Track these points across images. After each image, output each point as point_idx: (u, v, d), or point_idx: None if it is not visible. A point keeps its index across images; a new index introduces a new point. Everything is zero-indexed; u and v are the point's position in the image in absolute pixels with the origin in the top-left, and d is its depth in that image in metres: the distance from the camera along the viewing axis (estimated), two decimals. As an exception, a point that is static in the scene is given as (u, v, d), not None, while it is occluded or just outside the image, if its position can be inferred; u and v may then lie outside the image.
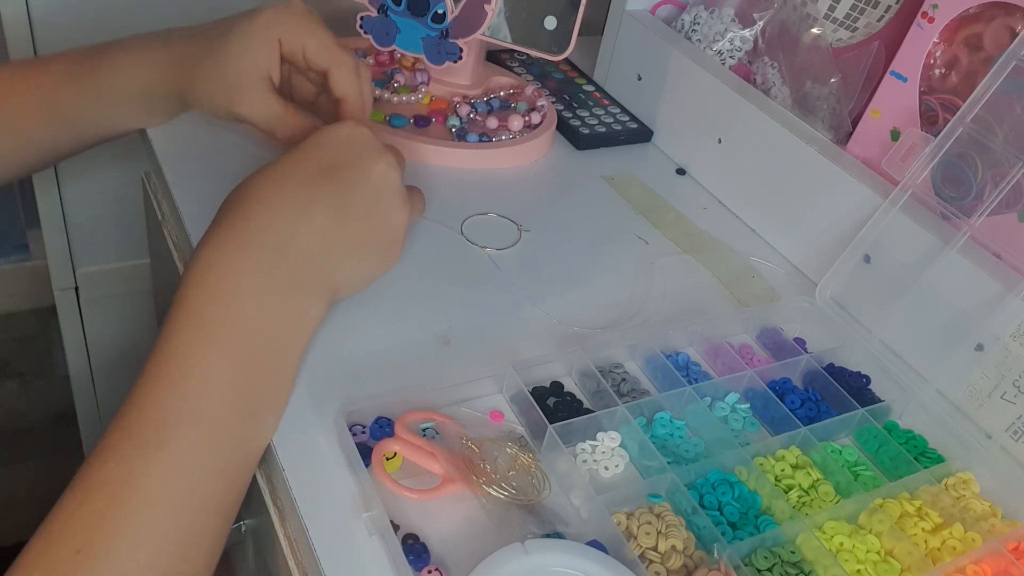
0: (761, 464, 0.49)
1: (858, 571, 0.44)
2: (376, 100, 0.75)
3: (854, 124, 0.67)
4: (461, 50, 0.71)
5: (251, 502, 0.49)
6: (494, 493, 0.44)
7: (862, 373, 0.57)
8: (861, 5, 0.69)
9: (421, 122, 0.73)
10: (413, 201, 0.55)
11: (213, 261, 0.45)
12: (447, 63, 0.72)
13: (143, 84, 0.62)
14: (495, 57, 0.86)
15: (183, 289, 0.45)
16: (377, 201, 0.50)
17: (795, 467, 0.49)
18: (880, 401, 0.55)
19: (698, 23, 0.76)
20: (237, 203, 0.47)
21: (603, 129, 0.79)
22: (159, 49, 0.62)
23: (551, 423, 0.47)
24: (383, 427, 0.47)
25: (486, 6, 0.69)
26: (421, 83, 0.77)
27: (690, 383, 0.53)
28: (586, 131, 0.78)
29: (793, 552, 0.44)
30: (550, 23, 0.70)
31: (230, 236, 0.46)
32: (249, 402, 0.44)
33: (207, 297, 0.44)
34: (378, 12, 0.71)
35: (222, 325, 0.44)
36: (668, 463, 0.47)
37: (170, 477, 0.41)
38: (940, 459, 0.52)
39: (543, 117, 0.76)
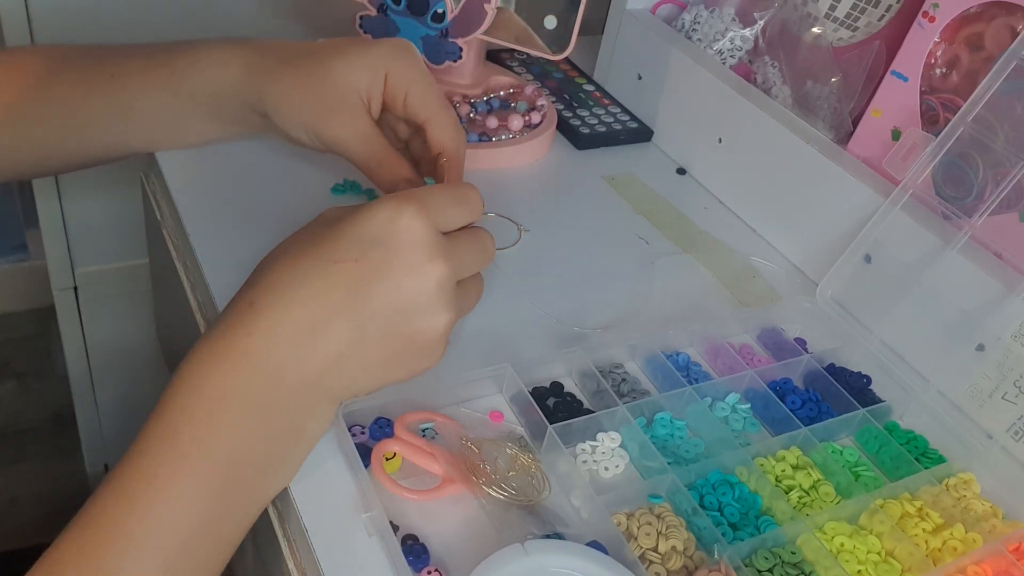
0: (762, 465, 0.49)
1: (859, 572, 0.44)
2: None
3: (855, 124, 0.67)
4: (461, 50, 0.71)
5: (250, 502, 0.49)
6: (494, 494, 0.44)
7: (863, 373, 0.57)
8: (862, 4, 0.69)
9: (421, 122, 0.73)
10: (466, 300, 0.47)
11: (203, 372, 0.40)
12: (447, 63, 0.72)
13: (219, 84, 0.57)
14: (495, 57, 0.86)
15: (170, 393, 0.40)
16: (408, 318, 0.42)
17: (796, 468, 0.49)
18: (881, 401, 0.55)
19: (698, 22, 0.76)
20: (248, 305, 0.41)
21: (603, 129, 0.79)
22: (246, 50, 0.57)
23: (551, 423, 0.47)
24: (383, 427, 0.47)
25: (486, 6, 0.69)
26: (421, 83, 0.77)
27: (690, 383, 0.53)
28: (586, 131, 0.78)
29: (794, 553, 0.44)
30: (550, 23, 0.70)
31: (227, 347, 0.41)
32: (224, 525, 0.41)
33: (189, 416, 0.40)
34: (378, 12, 0.71)
35: (201, 453, 0.39)
36: (668, 464, 0.47)
37: None
38: (941, 459, 0.52)
39: (543, 117, 0.76)
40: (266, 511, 0.47)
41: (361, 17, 0.71)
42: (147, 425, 0.40)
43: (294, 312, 0.41)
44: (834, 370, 0.56)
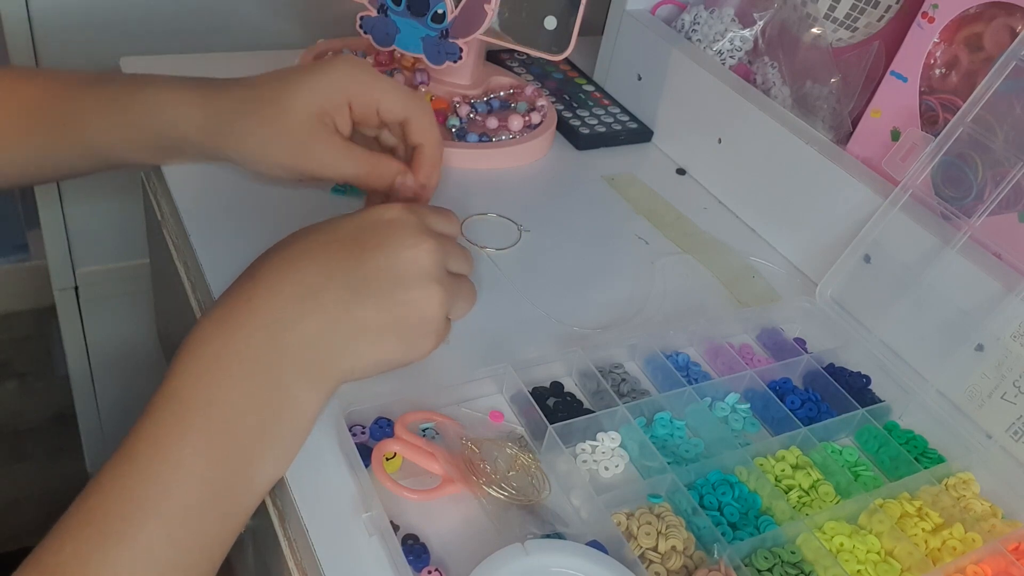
0: (761, 464, 0.49)
1: (858, 571, 0.44)
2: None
3: (854, 124, 0.67)
4: (461, 50, 0.71)
5: (251, 502, 0.49)
6: (494, 493, 0.44)
7: (862, 373, 0.57)
8: (861, 5, 0.69)
9: (421, 122, 0.73)
10: (459, 292, 0.49)
11: (205, 340, 0.42)
12: (447, 63, 0.72)
13: (178, 134, 0.57)
14: (495, 57, 0.86)
15: (173, 364, 0.42)
16: (402, 286, 0.45)
17: (795, 467, 0.49)
18: (880, 401, 0.55)
19: (698, 23, 0.76)
20: (248, 278, 0.44)
21: (603, 129, 0.79)
22: (201, 101, 0.56)
23: (551, 423, 0.47)
24: (383, 427, 0.47)
25: (486, 6, 0.69)
26: (421, 83, 0.77)
27: (690, 383, 0.53)
28: (586, 131, 0.78)
29: (793, 552, 0.44)
30: (550, 23, 0.70)
31: (229, 315, 0.43)
32: (225, 497, 0.41)
33: (190, 379, 0.41)
34: (378, 12, 0.71)
35: (201, 411, 0.40)
36: (668, 463, 0.47)
37: (128, 573, 0.38)
38: (940, 459, 0.52)
39: (543, 117, 0.76)
40: (266, 511, 0.47)
41: (361, 17, 0.71)
42: (153, 397, 0.41)
43: (293, 278, 0.44)
44: (833, 370, 0.56)
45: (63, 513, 0.39)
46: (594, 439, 0.49)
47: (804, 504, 0.47)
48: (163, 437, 0.40)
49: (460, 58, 0.71)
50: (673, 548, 0.43)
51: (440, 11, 0.70)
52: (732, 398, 0.53)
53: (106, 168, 0.63)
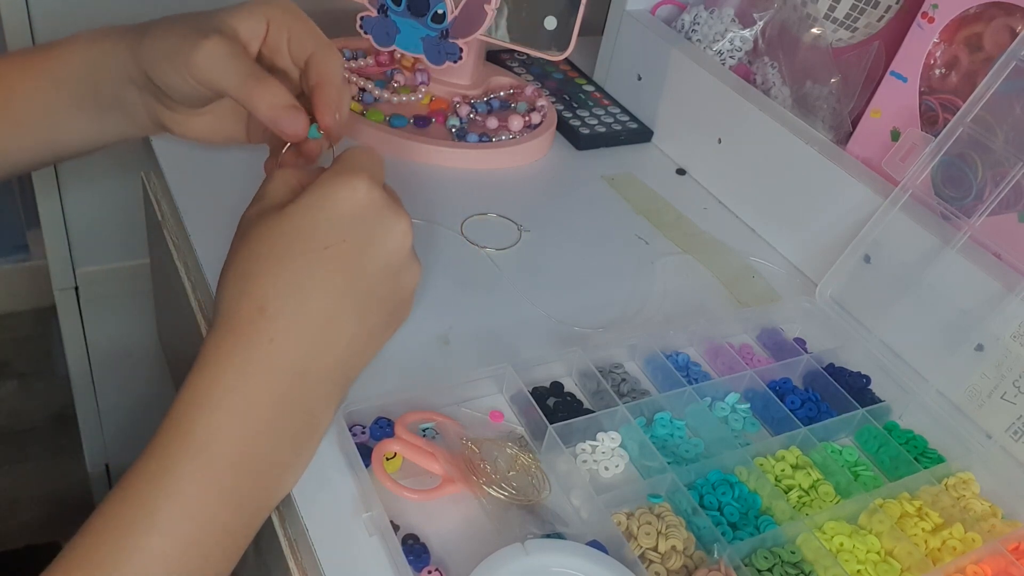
0: (761, 464, 0.49)
1: (858, 571, 0.44)
2: (376, 100, 0.75)
3: (854, 124, 0.67)
4: (461, 50, 0.71)
5: (251, 502, 0.49)
6: (494, 493, 0.44)
7: (862, 373, 0.57)
8: (861, 5, 0.69)
9: (421, 122, 0.73)
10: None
11: (225, 387, 0.40)
12: (447, 63, 0.72)
13: (95, 59, 0.54)
14: (495, 57, 0.86)
15: (184, 409, 0.40)
16: (396, 279, 0.46)
17: (795, 467, 0.49)
18: (880, 401, 0.55)
19: (698, 23, 0.76)
20: (257, 311, 0.42)
21: (603, 129, 0.79)
22: (124, 27, 0.54)
23: (551, 423, 0.47)
24: (383, 427, 0.47)
25: (486, 6, 0.69)
26: (421, 83, 0.77)
27: (690, 383, 0.53)
28: (586, 131, 0.78)
29: (793, 552, 0.44)
30: (550, 23, 0.70)
31: (247, 358, 0.41)
32: (235, 533, 0.41)
33: (214, 432, 0.40)
34: (378, 12, 0.71)
35: (227, 462, 0.40)
36: (668, 463, 0.47)
37: None
38: (940, 459, 0.52)
39: (543, 117, 0.76)
40: (267, 511, 0.48)
41: (362, 17, 0.71)
42: (165, 441, 0.40)
43: (309, 309, 0.42)
44: (833, 370, 0.56)
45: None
46: (594, 439, 0.49)
47: (804, 504, 0.47)
48: (187, 492, 0.39)
49: (460, 58, 0.71)
50: (673, 548, 0.43)
51: (440, 11, 0.70)
52: (732, 398, 0.53)
53: (51, 156, 0.58)
